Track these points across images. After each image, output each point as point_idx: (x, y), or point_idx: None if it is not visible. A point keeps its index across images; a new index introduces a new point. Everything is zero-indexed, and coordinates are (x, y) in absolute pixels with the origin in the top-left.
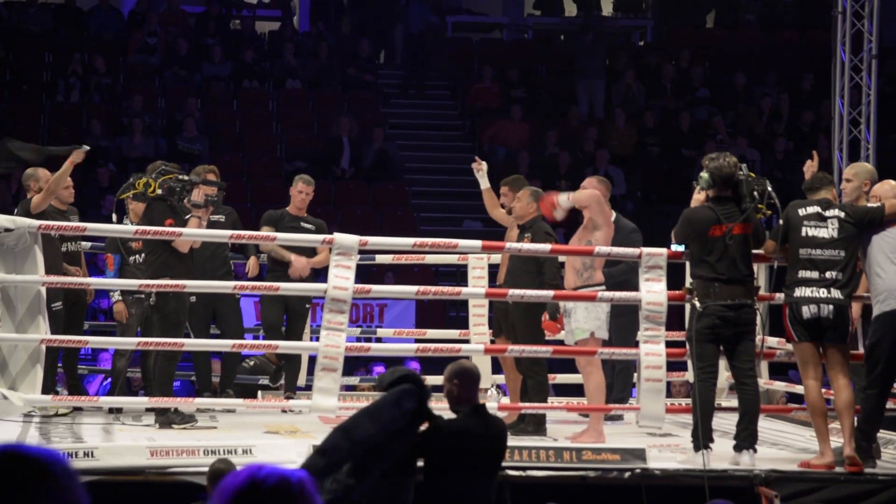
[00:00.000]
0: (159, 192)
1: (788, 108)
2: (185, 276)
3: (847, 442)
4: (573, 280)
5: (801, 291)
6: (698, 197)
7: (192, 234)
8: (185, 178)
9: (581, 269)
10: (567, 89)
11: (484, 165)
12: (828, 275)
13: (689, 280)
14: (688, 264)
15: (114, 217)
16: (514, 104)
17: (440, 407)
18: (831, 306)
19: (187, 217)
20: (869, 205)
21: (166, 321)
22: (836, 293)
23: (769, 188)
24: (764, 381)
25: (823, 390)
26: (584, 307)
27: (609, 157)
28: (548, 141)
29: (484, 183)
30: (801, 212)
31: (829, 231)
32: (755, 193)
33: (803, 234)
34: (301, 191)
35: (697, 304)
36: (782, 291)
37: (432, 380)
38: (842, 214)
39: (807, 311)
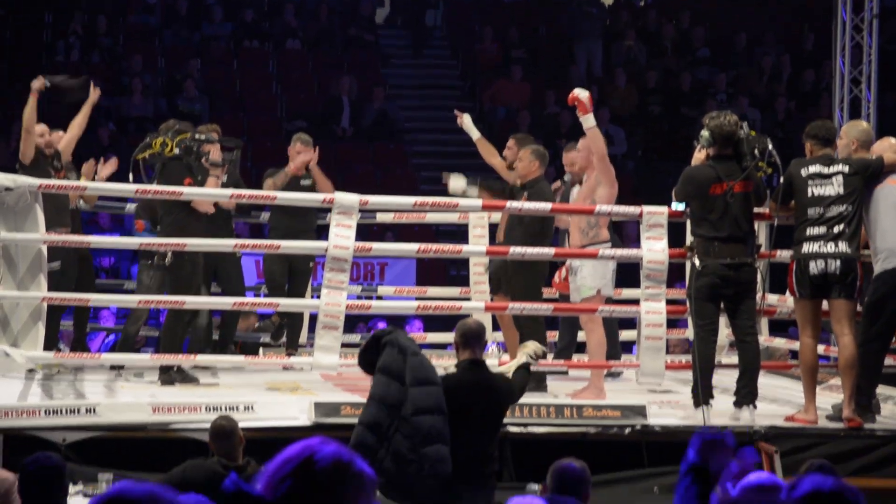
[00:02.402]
0: (176, 151)
1: (789, 68)
2: (201, 236)
3: (847, 402)
4: (578, 239)
5: (808, 247)
6: (699, 156)
7: (194, 192)
8: (202, 136)
9: (586, 227)
10: (567, 49)
11: (466, 116)
12: (835, 229)
13: (689, 238)
14: (688, 223)
15: (130, 177)
16: (515, 64)
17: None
18: (838, 261)
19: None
20: (867, 157)
21: (178, 283)
22: (843, 246)
23: (770, 146)
24: (764, 339)
25: (824, 347)
26: (591, 264)
27: (610, 116)
28: (548, 100)
29: (474, 133)
30: (804, 171)
31: (834, 188)
32: (756, 151)
33: (809, 193)
34: (299, 151)
35: (697, 262)
36: (788, 249)
37: (433, 337)
38: (845, 169)
39: (814, 267)
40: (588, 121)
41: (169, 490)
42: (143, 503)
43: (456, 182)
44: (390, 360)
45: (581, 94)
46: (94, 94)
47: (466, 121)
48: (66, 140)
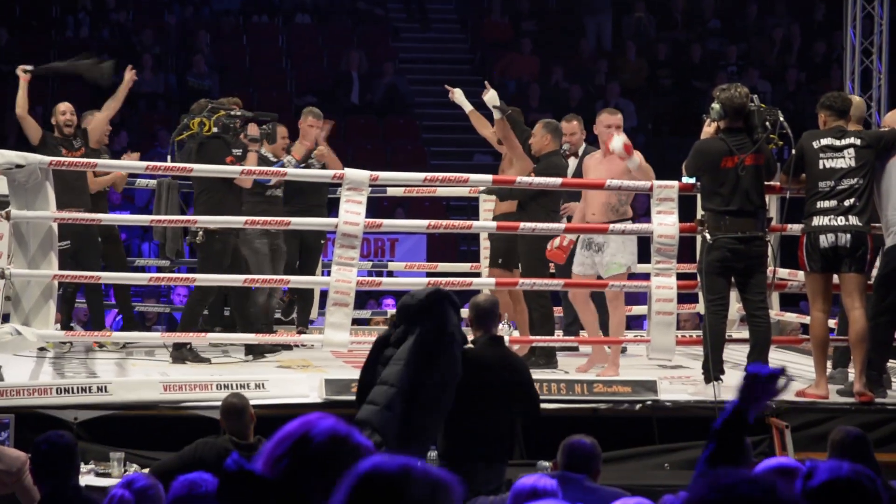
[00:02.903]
0: (215, 129)
1: (800, 39)
2: (236, 214)
3: (858, 376)
4: (605, 215)
5: (818, 220)
6: (708, 130)
7: (207, 170)
8: (238, 113)
9: (616, 204)
10: (578, 22)
11: (458, 91)
12: (846, 203)
13: (700, 212)
14: (699, 197)
15: (168, 159)
16: (525, 37)
17: None
18: (849, 235)
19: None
20: (882, 129)
21: (206, 262)
22: (853, 220)
23: (781, 118)
24: (775, 313)
25: (834, 321)
26: (621, 241)
27: (620, 89)
28: (558, 74)
29: (467, 106)
30: (815, 144)
31: (846, 161)
32: (767, 124)
33: (821, 166)
34: (311, 125)
35: (708, 236)
36: (800, 223)
37: None
38: (857, 142)
39: (824, 241)
40: (633, 162)
41: (418, 462)
42: (399, 479)
43: (492, 96)
44: (428, 334)
45: (616, 146)
46: (129, 75)
47: (458, 95)
48: (95, 121)
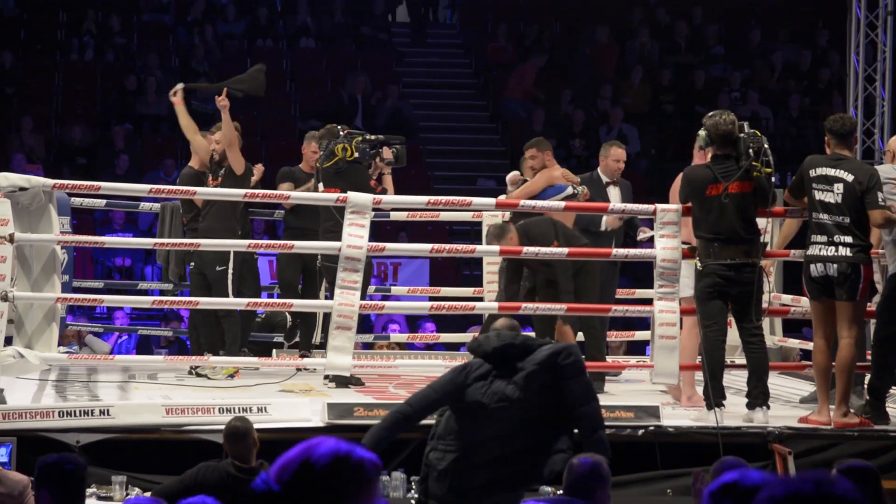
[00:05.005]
0: (356, 155)
1: (804, 65)
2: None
3: (838, 404)
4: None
5: (811, 250)
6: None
7: (208, 192)
8: (373, 137)
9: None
10: (582, 46)
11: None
12: (835, 238)
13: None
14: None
15: (320, 187)
16: (528, 61)
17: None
18: (836, 265)
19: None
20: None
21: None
22: (843, 251)
23: (766, 145)
24: (777, 339)
25: None
26: (686, 265)
27: (623, 115)
28: (562, 99)
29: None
30: (812, 173)
31: (833, 196)
32: (751, 151)
33: (814, 197)
34: (315, 151)
35: (698, 263)
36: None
37: (447, 338)
38: (849, 178)
39: (814, 270)
40: None
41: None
42: None
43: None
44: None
45: None
46: (219, 102)
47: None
48: (229, 157)
